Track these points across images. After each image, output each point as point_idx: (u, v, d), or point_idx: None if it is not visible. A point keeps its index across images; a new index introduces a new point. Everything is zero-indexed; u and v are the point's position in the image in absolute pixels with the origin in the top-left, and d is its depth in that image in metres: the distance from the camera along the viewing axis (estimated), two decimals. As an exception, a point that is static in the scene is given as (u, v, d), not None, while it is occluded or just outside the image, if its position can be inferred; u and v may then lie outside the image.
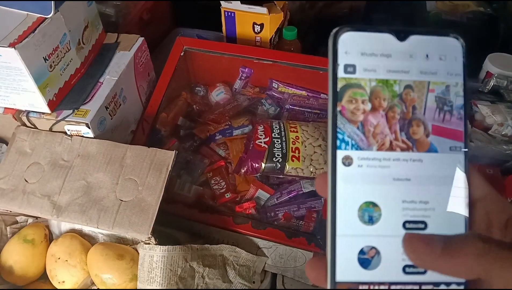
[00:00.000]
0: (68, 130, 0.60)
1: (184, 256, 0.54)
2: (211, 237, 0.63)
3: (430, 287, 0.22)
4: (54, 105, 0.60)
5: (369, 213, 0.22)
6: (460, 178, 0.23)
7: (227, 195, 0.66)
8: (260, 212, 0.64)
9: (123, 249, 0.58)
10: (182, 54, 0.77)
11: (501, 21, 0.96)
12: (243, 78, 0.80)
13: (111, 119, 0.64)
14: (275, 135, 0.66)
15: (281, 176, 0.66)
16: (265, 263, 0.61)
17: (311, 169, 0.64)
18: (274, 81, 0.79)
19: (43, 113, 0.61)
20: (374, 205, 0.22)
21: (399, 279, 0.22)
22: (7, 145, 0.62)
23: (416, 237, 0.21)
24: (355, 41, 0.22)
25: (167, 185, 0.55)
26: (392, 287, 0.22)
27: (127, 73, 0.68)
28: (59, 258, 0.59)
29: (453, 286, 0.22)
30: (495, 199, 0.23)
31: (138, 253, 0.56)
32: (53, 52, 0.58)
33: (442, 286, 0.22)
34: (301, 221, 0.61)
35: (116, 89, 0.65)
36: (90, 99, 0.62)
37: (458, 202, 0.23)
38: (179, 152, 0.66)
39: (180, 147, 0.72)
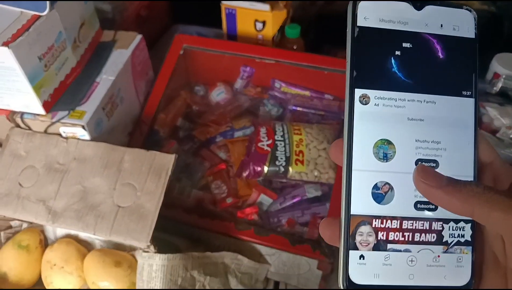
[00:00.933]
0: (64, 132, 0.58)
1: (184, 265, 0.52)
2: (212, 243, 0.61)
3: (440, 223, 0.23)
4: (49, 106, 0.58)
5: (384, 150, 0.23)
6: (470, 122, 0.24)
7: (229, 200, 0.64)
8: (263, 217, 0.62)
9: (120, 255, 0.57)
10: (181, 52, 0.75)
11: (506, 19, 0.95)
12: (244, 77, 0.78)
13: (108, 120, 0.62)
14: (278, 137, 0.64)
15: (284, 181, 0.64)
16: (268, 270, 0.60)
17: (316, 174, 0.62)
18: (276, 80, 0.77)
19: (38, 115, 0.58)
20: (389, 142, 0.23)
21: (411, 214, 0.23)
22: (0, 148, 0.60)
23: (426, 168, 0.23)
24: (374, 8, 0.24)
25: (166, 190, 0.53)
26: (404, 221, 0.23)
27: (125, 72, 0.66)
28: (54, 265, 0.57)
29: (461, 224, 0.23)
30: (501, 164, 0.24)
31: (136, 260, 0.54)
32: (48, 51, 0.55)
33: (451, 223, 0.23)
34: (305, 228, 0.60)
35: (113, 89, 0.63)
36: (86, 100, 0.60)
37: (468, 144, 0.24)
38: (178, 155, 0.64)
39: (179, 149, 0.70)
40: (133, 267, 0.55)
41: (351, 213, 0.23)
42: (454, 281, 0.23)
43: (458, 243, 0.23)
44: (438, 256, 0.23)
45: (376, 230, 0.23)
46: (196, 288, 0.53)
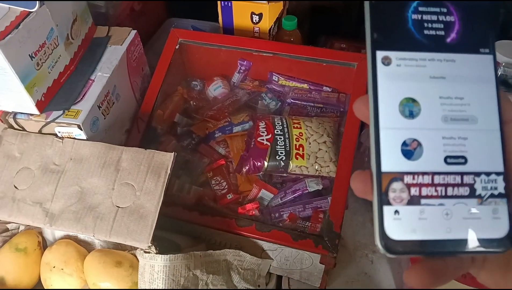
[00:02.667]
0: (59, 132, 0.57)
1: (186, 264, 0.51)
2: (213, 240, 0.61)
3: (471, 176, 0.23)
4: (43, 105, 0.57)
5: (409, 107, 0.24)
6: (491, 78, 0.25)
7: (229, 196, 0.63)
8: (264, 213, 0.61)
9: (121, 255, 0.56)
10: (177, 47, 0.73)
11: (501, 6, 0.94)
12: (241, 71, 0.76)
13: (104, 118, 0.61)
14: (277, 132, 0.63)
15: (284, 175, 0.63)
16: (270, 265, 0.59)
17: (316, 167, 0.61)
18: (274, 74, 0.75)
19: (32, 115, 0.57)
20: (414, 100, 0.24)
21: (442, 169, 0.23)
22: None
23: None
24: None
25: (166, 188, 0.52)
26: (435, 176, 0.23)
27: (120, 69, 0.65)
28: (54, 267, 0.56)
29: (493, 176, 0.24)
30: None
31: (137, 259, 0.54)
32: (40, 48, 0.54)
33: (482, 176, 0.23)
34: (307, 222, 0.59)
35: (109, 87, 0.62)
36: (81, 98, 0.58)
37: (490, 99, 0.24)
38: (177, 151, 0.62)
39: (177, 145, 0.69)
40: (134, 267, 0.54)
41: (382, 170, 0.23)
42: (492, 233, 0.23)
43: (492, 195, 0.23)
44: (473, 209, 0.23)
45: (409, 186, 0.23)
46: (199, 287, 0.53)
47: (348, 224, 0.69)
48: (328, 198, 0.60)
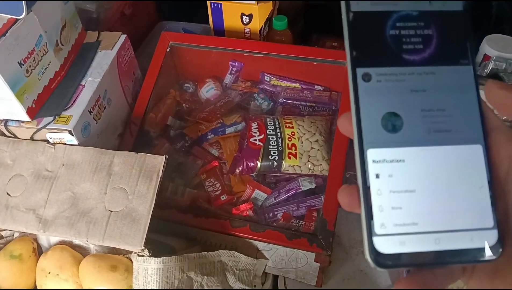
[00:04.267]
0: (51, 138, 0.57)
1: (180, 266, 0.51)
2: (208, 241, 0.61)
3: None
4: (34, 112, 0.57)
5: (392, 122, 0.24)
6: (471, 88, 0.25)
7: (223, 197, 0.63)
8: (258, 213, 0.61)
9: (116, 259, 0.56)
10: (168, 50, 0.74)
11: (494, 1, 0.94)
12: (233, 72, 0.77)
13: (96, 123, 0.61)
14: (269, 132, 0.64)
15: (278, 175, 0.63)
16: (266, 265, 0.59)
17: (309, 166, 0.61)
18: (266, 74, 0.75)
19: (23, 122, 0.57)
20: (396, 115, 0.24)
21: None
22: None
23: (495, 83, 0.24)
24: None
25: (158, 191, 0.52)
26: None
27: (111, 73, 0.65)
28: (49, 273, 0.56)
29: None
30: (505, 130, 0.24)
31: (133, 263, 0.54)
32: (29, 55, 0.54)
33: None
34: (301, 221, 0.59)
35: (100, 91, 0.62)
36: (72, 104, 0.58)
37: (473, 109, 0.25)
38: (170, 154, 0.63)
39: (171, 148, 0.69)
40: (130, 271, 0.54)
41: (368, 185, 0.23)
42: (481, 243, 0.23)
43: None
44: None
45: None
46: (194, 288, 0.53)
47: (343, 222, 0.69)
48: (322, 196, 0.60)
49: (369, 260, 0.23)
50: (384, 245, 0.23)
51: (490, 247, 0.23)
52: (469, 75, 0.25)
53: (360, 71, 0.24)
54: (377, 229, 0.23)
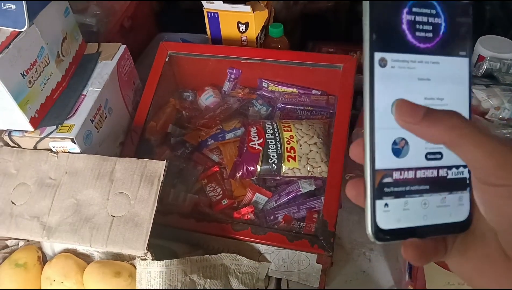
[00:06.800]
0: (53, 147, 0.58)
1: (183, 269, 0.52)
2: (211, 246, 0.61)
3: (445, 169, 0.26)
4: (37, 122, 0.58)
5: None
6: (465, 80, 0.27)
7: (224, 202, 0.63)
8: (259, 216, 0.62)
9: (120, 266, 0.56)
10: (167, 59, 0.75)
11: (487, 3, 0.95)
12: (231, 79, 0.78)
13: (98, 132, 0.62)
14: (268, 136, 0.65)
15: (278, 178, 0.64)
16: (268, 268, 0.59)
17: (308, 168, 0.62)
18: (263, 80, 0.77)
19: (26, 131, 0.58)
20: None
21: (423, 164, 0.26)
22: (-9, 167, 0.59)
23: (403, 104, 0.25)
24: None
25: (160, 196, 0.53)
26: (418, 171, 0.26)
27: (111, 83, 0.66)
28: (54, 281, 0.57)
29: (461, 169, 0.27)
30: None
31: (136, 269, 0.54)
32: (31, 67, 0.55)
33: (453, 169, 0.27)
34: (302, 223, 0.60)
35: (101, 101, 0.63)
36: (74, 113, 0.60)
37: (464, 100, 0.27)
38: (171, 161, 0.63)
39: (172, 155, 0.70)
40: (133, 277, 0.55)
41: (375, 168, 0.25)
42: (457, 217, 0.26)
43: (459, 185, 0.27)
44: (445, 197, 0.26)
45: (396, 181, 0.26)
46: (197, 291, 0.53)
47: (344, 223, 0.70)
48: (322, 198, 0.61)
49: (371, 235, 0.25)
50: (385, 222, 0.25)
51: (463, 221, 0.26)
52: (465, 68, 0.27)
53: (378, 55, 0.25)
54: (380, 208, 0.25)
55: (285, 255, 0.59)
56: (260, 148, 0.64)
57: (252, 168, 0.63)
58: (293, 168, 0.62)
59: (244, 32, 0.77)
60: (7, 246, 0.62)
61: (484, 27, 0.95)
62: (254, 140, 0.64)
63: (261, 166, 0.63)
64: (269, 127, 0.66)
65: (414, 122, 0.24)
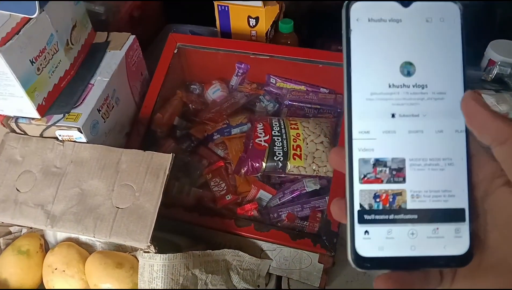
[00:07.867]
0: (60, 135, 0.58)
1: (185, 263, 0.52)
2: (213, 241, 0.61)
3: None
4: (44, 109, 0.58)
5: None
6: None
7: (228, 197, 0.63)
8: (263, 213, 0.62)
9: (122, 257, 0.56)
10: (175, 51, 0.75)
11: (498, 6, 0.94)
12: (239, 74, 0.77)
13: (104, 122, 0.62)
14: (275, 133, 0.64)
15: (283, 176, 0.64)
16: (270, 266, 0.59)
17: (314, 167, 0.62)
18: (271, 76, 0.76)
19: (33, 119, 0.58)
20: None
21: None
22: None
23: (475, 93, 0.24)
24: (364, 9, 0.25)
25: (165, 189, 0.53)
26: None
27: (119, 73, 0.66)
28: (56, 269, 0.57)
29: (456, 199, 0.24)
30: (483, 154, 0.25)
31: (138, 261, 0.54)
32: (40, 54, 0.55)
33: (446, 198, 0.24)
34: (305, 222, 0.59)
35: (108, 91, 0.63)
36: (81, 102, 0.59)
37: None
38: (176, 154, 0.63)
39: (177, 148, 0.70)
40: (135, 268, 0.55)
41: (354, 191, 0.24)
42: (453, 251, 0.24)
43: (455, 217, 0.24)
44: (437, 228, 0.24)
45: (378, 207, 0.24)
46: (198, 286, 0.53)
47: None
48: (326, 197, 0.61)
49: (350, 261, 0.24)
50: (365, 249, 0.24)
51: (462, 255, 0.24)
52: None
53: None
54: (360, 234, 0.24)
55: (287, 253, 0.59)
56: (266, 144, 0.63)
57: (257, 164, 0.63)
58: (299, 166, 0.62)
59: (254, 26, 0.76)
60: (10, 233, 0.62)
61: (494, 30, 0.95)
62: (260, 137, 0.64)
63: (266, 163, 0.62)
64: (276, 124, 0.65)
65: (485, 107, 0.23)
